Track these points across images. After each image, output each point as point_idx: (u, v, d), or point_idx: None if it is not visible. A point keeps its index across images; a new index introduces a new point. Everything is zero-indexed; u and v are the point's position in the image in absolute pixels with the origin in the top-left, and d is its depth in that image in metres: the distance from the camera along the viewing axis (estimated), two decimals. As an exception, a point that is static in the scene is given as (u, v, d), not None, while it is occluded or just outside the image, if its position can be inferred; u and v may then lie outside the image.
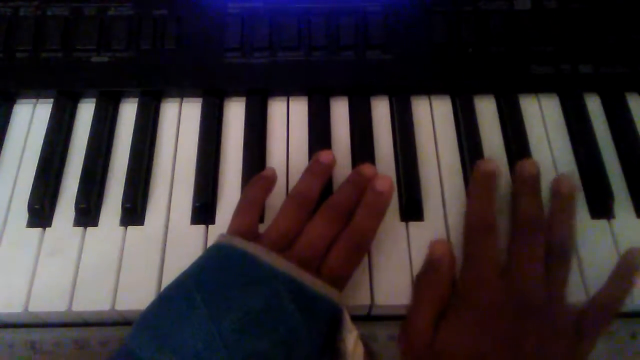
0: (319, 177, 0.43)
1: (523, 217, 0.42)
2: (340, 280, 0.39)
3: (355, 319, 0.39)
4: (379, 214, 0.42)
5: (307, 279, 0.36)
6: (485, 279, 0.39)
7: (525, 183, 0.43)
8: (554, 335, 0.37)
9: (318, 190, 0.43)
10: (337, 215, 0.41)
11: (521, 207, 0.42)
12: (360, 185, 0.42)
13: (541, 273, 0.39)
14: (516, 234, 0.41)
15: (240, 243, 0.38)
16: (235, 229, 0.41)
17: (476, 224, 0.42)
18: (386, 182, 0.42)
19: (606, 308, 0.39)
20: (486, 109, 0.50)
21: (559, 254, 0.40)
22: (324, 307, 0.36)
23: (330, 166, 0.44)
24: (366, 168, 0.43)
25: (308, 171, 0.44)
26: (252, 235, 0.40)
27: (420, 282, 0.41)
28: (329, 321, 0.37)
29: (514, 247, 0.41)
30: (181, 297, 0.35)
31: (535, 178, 0.44)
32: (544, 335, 0.36)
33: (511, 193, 0.45)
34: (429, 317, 0.38)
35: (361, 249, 0.41)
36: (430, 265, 0.41)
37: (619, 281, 0.40)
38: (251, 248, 0.37)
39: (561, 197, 0.43)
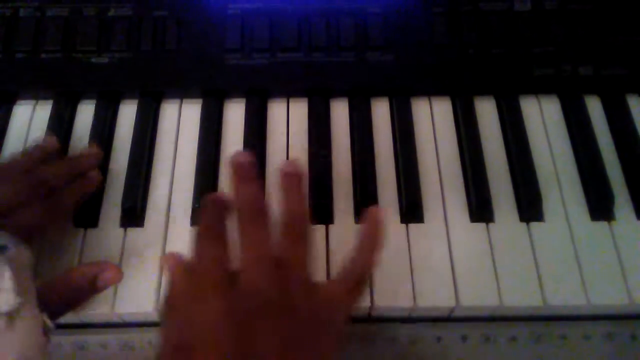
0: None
1: (241, 205, 0.37)
2: None
3: (355, 320, 0.39)
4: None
5: None
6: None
7: (235, 173, 0.39)
8: (299, 327, 0.32)
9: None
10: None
11: (238, 196, 0.37)
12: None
13: (271, 265, 0.34)
14: (238, 225, 0.36)
15: None
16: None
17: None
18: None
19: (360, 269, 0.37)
20: (486, 111, 0.50)
21: (296, 231, 0.36)
22: None
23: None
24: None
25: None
26: None
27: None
28: None
29: (241, 241, 0.35)
30: None
31: (248, 165, 0.39)
32: (285, 332, 0.31)
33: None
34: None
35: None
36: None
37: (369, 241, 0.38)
38: None
39: (286, 176, 0.39)
